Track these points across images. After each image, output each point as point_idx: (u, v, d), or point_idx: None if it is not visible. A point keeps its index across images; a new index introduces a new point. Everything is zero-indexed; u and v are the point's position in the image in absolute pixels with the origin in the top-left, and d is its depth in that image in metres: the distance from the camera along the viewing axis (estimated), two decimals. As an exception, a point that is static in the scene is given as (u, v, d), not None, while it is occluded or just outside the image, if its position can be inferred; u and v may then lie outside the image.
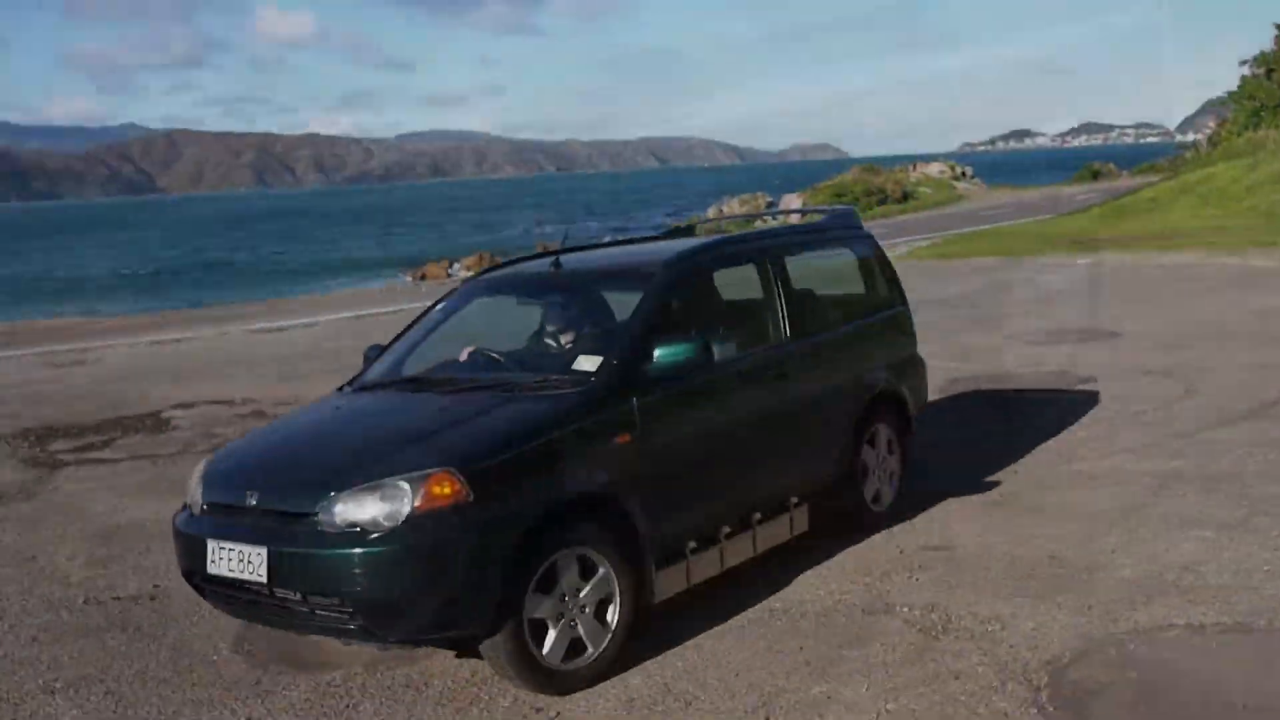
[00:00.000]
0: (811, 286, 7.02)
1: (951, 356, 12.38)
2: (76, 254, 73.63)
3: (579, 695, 5.00)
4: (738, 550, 5.88)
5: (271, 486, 4.97)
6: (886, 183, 55.08)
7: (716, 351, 5.84)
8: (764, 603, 5.96)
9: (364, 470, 4.74)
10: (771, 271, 6.50)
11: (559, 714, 4.85)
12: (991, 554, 6.46)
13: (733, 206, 53.26)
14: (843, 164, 78.97)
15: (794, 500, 6.27)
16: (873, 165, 64.48)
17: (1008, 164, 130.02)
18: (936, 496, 7.51)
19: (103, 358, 17.44)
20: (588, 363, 5.45)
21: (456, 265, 37.79)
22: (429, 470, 4.59)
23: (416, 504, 4.52)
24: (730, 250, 6.64)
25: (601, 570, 5.02)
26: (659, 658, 5.37)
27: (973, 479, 7.88)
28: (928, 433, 8.30)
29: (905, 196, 52.97)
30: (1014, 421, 9.61)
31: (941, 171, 63.89)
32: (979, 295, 18.32)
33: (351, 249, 66.40)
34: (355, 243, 72.34)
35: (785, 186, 67.77)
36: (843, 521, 6.82)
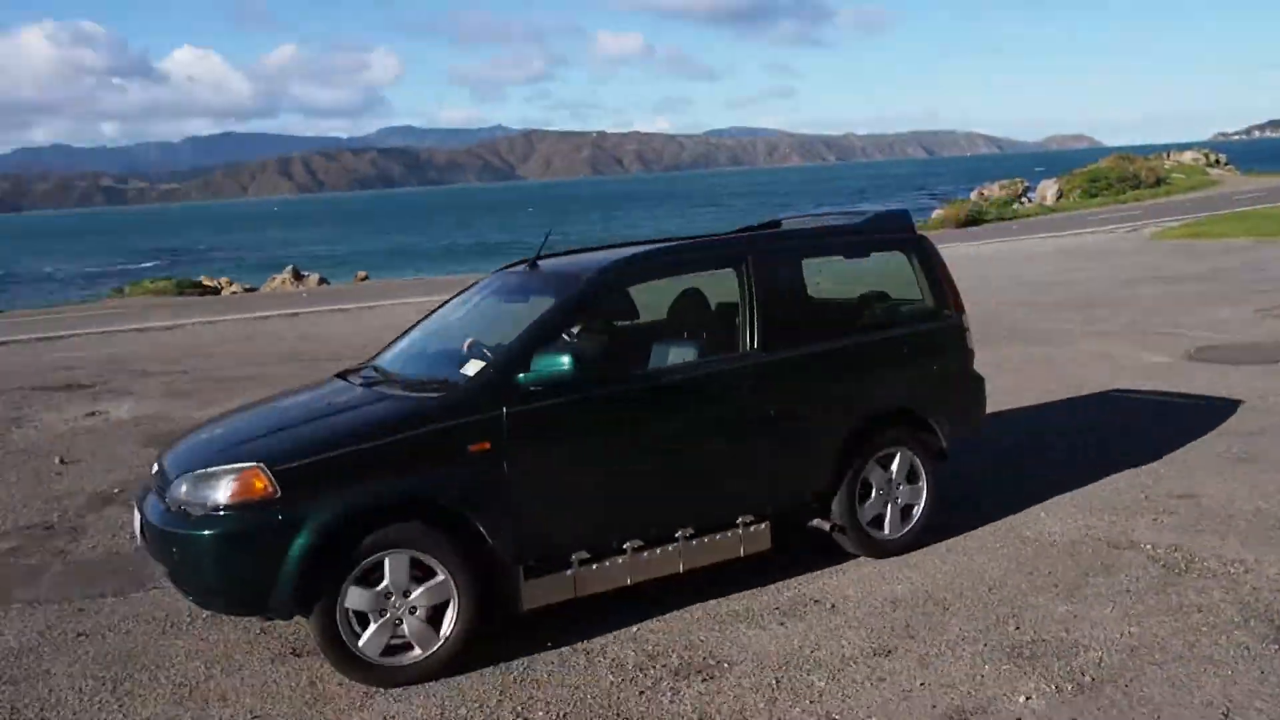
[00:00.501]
0: (825, 293, 5.77)
1: (1203, 327, 11.26)
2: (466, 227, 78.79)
3: (850, 582, 4.98)
4: (656, 565, 4.81)
5: (174, 458, 4.66)
6: (1140, 169, 50.41)
7: (650, 362, 5.08)
8: (1015, 531, 5.70)
9: (209, 459, 4.36)
10: (746, 278, 5.18)
11: (834, 605, 4.86)
12: (1236, 504, 5.87)
13: (993, 190, 50.39)
14: (1097, 153, 72.70)
15: (747, 519, 5.03)
16: (1127, 154, 59.21)
17: (1264, 152, 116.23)
18: (1182, 445, 6.90)
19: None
20: (472, 367, 4.60)
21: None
22: (243, 466, 4.15)
23: (228, 495, 4.10)
24: (675, 259, 5.39)
25: (440, 575, 4.28)
26: (921, 569, 5.26)
27: (1220, 434, 7.18)
28: (1183, 385, 7.53)
29: (1158, 182, 48.32)
30: (1261, 386, 8.65)
31: (1195, 158, 57.79)
32: (1228, 273, 16.52)
33: (658, 227, 67.61)
34: (664, 222, 73.64)
35: (1044, 173, 63.42)
36: (838, 544, 5.43)
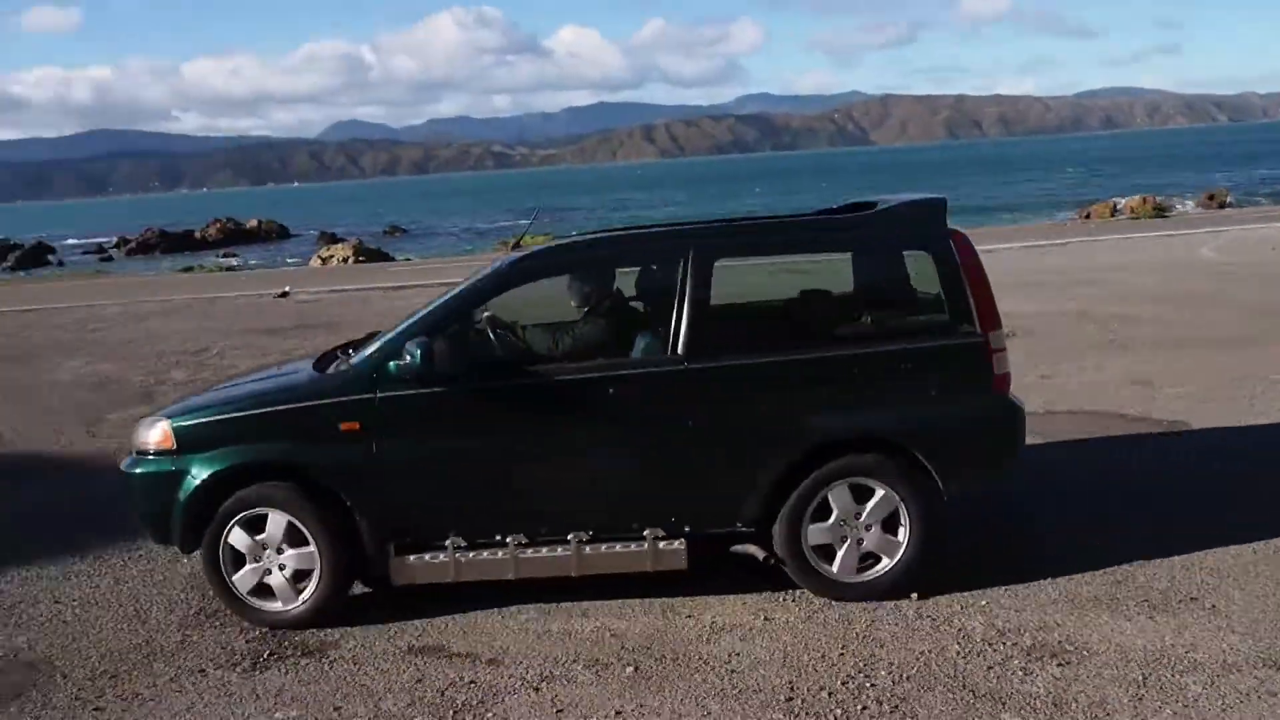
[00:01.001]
0: (797, 294, 5.12)
1: None
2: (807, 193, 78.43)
3: (1235, 582, 4.40)
4: (544, 565, 4.55)
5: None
6: None
7: (548, 361, 4.71)
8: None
9: (163, 410, 4.97)
10: (682, 275, 4.55)
11: (1214, 605, 4.32)
12: None
13: None
14: None
15: (658, 533, 4.53)
16: None
17: None
18: None
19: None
20: (368, 349, 4.65)
21: (1121, 204, 34.32)
22: (158, 420, 4.70)
23: (146, 442, 4.67)
24: (600, 253, 5.00)
25: (310, 547, 4.52)
26: (1179, 571, 4.58)
27: None
28: None
29: None
30: None
31: None
32: None
33: (1032, 190, 63.08)
34: (1034, 185, 68.62)
35: None
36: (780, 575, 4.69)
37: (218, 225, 53.97)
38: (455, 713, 3.83)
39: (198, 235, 52.58)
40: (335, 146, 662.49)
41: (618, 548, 4.56)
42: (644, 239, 5.14)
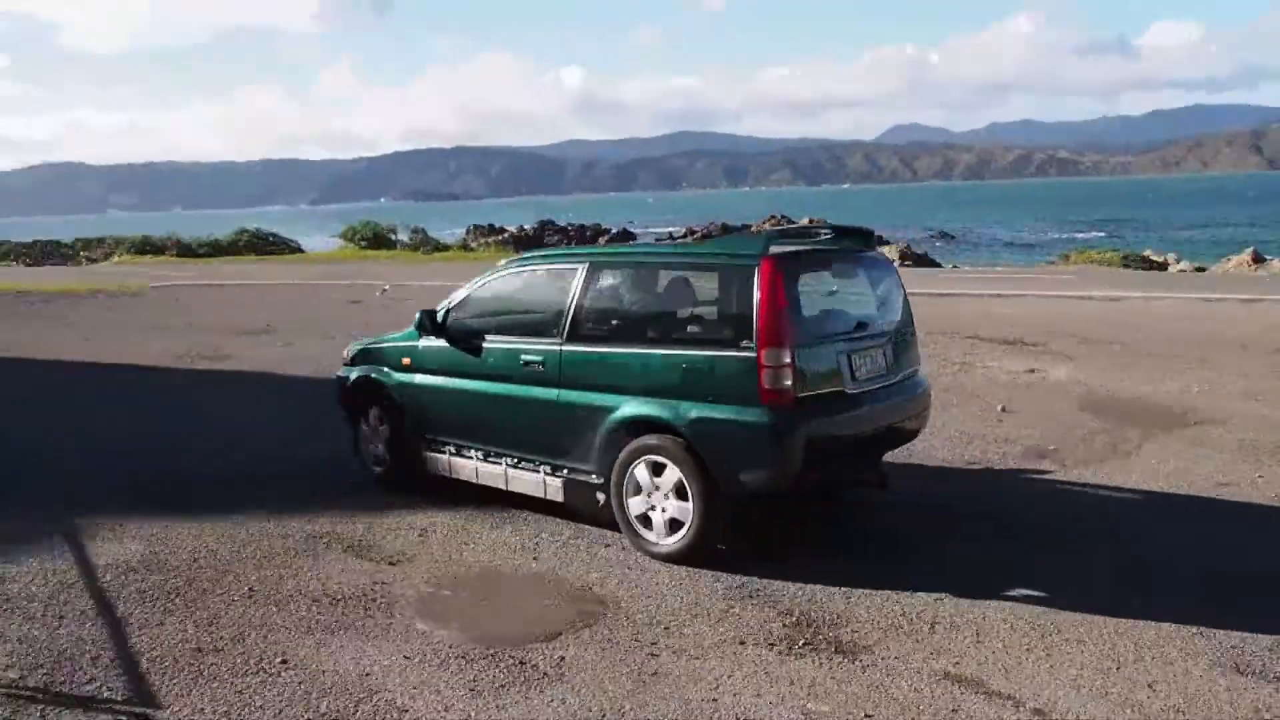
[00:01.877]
0: (662, 305, 5.90)
1: None
2: None
3: None
4: (489, 476, 6.46)
5: None
6: None
7: (496, 337, 6.38)
8: None
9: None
10: (578, 279, 6.05)
11: None
12: None
13: None
14: None
15: (546, 469, 6.11)
16: None
17: None
18: None
19: None
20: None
21: None
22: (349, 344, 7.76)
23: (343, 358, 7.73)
24: (539, 264, 6.58)
25: (383, 425, 7.08)
26: None
27: None
28: None
29: None
30: None
31: None
32: None
33: None
34: None
35: None
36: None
37: (771, 221, 57.81)
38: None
39: (753, 229, 56.85)
40: (890, 149, 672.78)
41: (524, 475, 6.26)
42: (564, 255, 6.55)
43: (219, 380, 11.58)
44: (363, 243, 40.10)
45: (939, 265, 32.14)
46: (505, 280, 6.55)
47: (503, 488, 6.33)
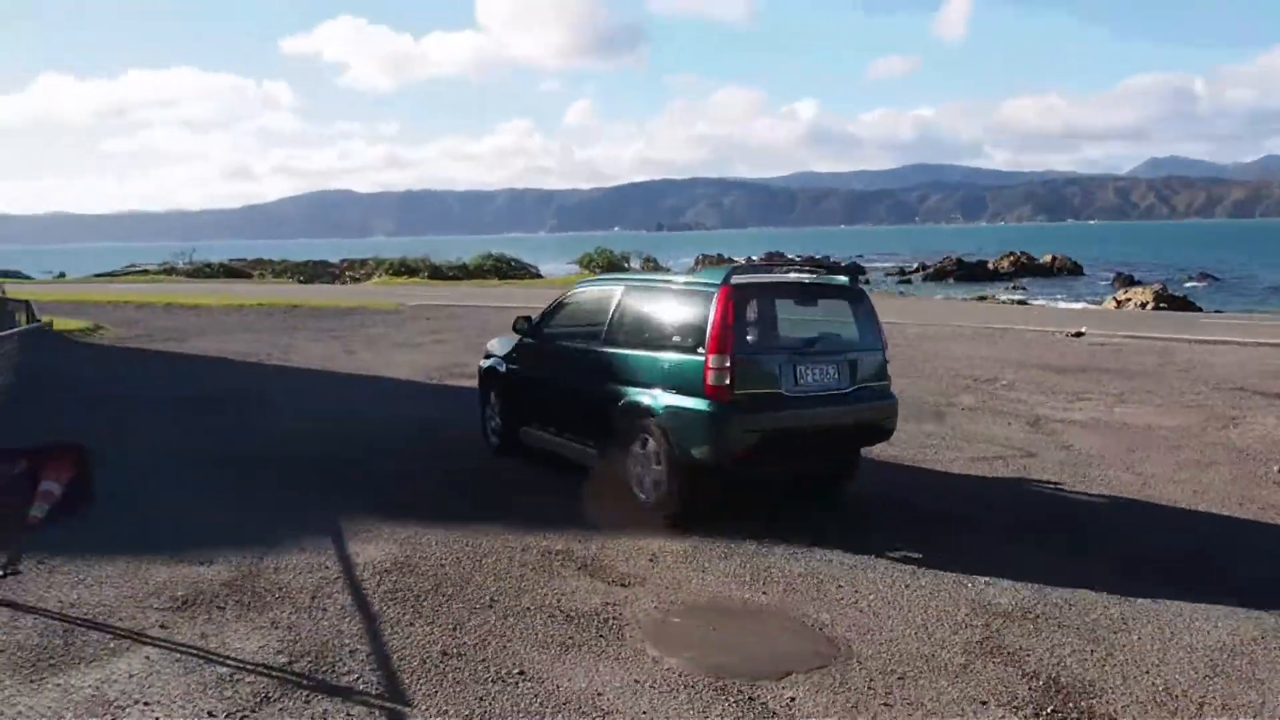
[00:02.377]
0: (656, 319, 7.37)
1: None
2: None
3: None
4: (555, 445, 8.15)
5: None
6: None
7: (566, 341, 8.29)
8: None
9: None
10: (618, 297, 7.74)
11: None
12: None
13: None
14: None
15: (590, 443, 7.66)
16: None
17: None
18: None
19: None
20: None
21: None
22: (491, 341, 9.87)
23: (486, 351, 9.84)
24: (588, 289, 8.61)
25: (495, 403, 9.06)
26: None
27: None
28: None
29: None
30: None
31: None
32: None
33: None
34: None
35: None
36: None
37: (1011, 258, 55.07)
38: None
39: (990, 265, 54.37)
40: (1145, 184, 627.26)
41: (576, 446, 7.84)
42: (599, 280, 8.92)
43: (464, 396, 12.27)
44: (597, 269, 41.51)
45: (1198, 309, 29.56)
46: (580, 294, 8.42)
47: (561, 455, 8.03)
